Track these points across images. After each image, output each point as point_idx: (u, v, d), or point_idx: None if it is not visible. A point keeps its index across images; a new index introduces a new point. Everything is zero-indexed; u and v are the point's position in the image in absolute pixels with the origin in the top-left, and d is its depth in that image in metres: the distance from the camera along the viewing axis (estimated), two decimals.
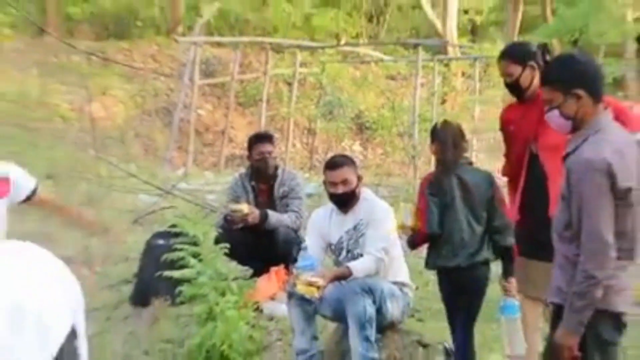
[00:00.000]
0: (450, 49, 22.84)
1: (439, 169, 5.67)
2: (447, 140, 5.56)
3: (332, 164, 6.17)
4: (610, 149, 4.01)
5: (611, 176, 3.95)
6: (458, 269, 5.47)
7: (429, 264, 5.76)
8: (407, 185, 13.08)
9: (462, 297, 5.61)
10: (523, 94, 5.42)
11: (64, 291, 4.69)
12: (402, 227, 5.80)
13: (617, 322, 4.16)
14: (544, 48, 5.57)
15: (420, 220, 5.63)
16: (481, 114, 19.08)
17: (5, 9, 20.04)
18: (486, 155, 16.25)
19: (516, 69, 5.28)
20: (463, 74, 22.20)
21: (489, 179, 5.55)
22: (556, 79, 4.22)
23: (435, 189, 5.58)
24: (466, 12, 26.02)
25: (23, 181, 5.63)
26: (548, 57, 5.51)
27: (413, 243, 5.84)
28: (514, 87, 5.44)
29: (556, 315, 4.21)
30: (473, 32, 27.33)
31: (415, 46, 20.23)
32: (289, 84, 19.76)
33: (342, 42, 23.37)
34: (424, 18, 25.06)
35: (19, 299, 4.49)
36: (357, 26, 26.29)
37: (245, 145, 8.47)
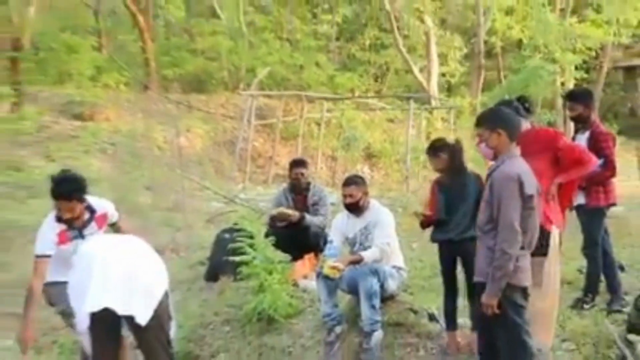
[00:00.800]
0: (432, 101, 22.78)
1: (449, 173, 5.66)
2: (456, 152, 5.64)
3: (345, 182, 6.34)
4: (519, 167, 4.39)
5: (521, 185, 4.29)
6: (451, 241, 5.53)
7: (433, 239, 5.78)
8: (402, 197, 13.04)
9: (455, 265, 5.66)
10: None
11: (160, 266, 4.75)
12: (415, 214, 5.92)
13: (524, 292, 4.44)
14: (524, 99, 5.63)
15: (430, 209, 5.73)
16: None
17: (122, 72, 20.31)
18: None
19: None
20: (442, 118, 22.12)
21: (479, 180, 5.51)
22: (485, 121, 4.61)
23: (443, 187, 5.66)
24: (444, 75, 25.96)
25: (112, 214, 5.63)
26: (527, 105, 5.58)
27: (423, 225, 5.85)
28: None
29: (480, 290, 4.44)
30: (448, 89, 27.22)
31: (408, 99, 20.26)
32: (318, 124, 19.76)
33: (356, 95, 23.31)
34: (413, 79, 24.99)
35: (133, 270, 4.58)
36: (366, 84, 26.34)
37: (287, 167, 8.52)
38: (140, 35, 22.15)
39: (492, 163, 4.64)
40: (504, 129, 4.48)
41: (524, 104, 5.55)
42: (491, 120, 4.58)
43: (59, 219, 5.31)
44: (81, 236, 5.37)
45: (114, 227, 5.64)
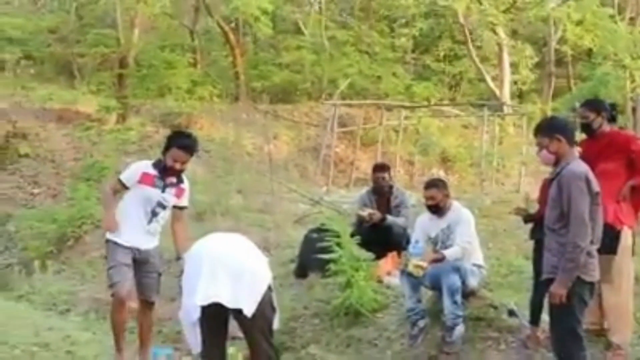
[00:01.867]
0: (505, 108, 22.40)
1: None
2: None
3: (426, 185, 6.34)
4: (584, 167, 4.44)
5: (588, 182, 4.34)
6: None
7: (533, 236, 5.76)
8: (477, 199, 12.83)
9: None
10: None
11: (263, 261, 4.81)
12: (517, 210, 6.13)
13: (592, 288, 4.45)
14: (612, 105, 5.57)
15: (539, 205, 5.59)
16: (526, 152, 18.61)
17: (215, 85, 20.76)
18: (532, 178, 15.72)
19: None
20: (514, 124, 21.71)
21: None
22: (544, 129, 4.63)
23: None
24: (515, 83, 25.45)
25: (186, 197, 5.85)
26: (614, 112, 5.50)
27: (527, 220, 5.90)
28: None
29: (549, 285, 4.41)
30: (520, 96, 26.67)
31: (481, 106, 20.01)
32: (396, 131, 19.64)
33: (431, 103, 23.11)
34: (486, 87, 24.62)
35: (240, 265, 4.65)
36: (441, 92, 26.04)
37: (367, 172, 8.59)
38: (231, 51, 22.51)
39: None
40: (563, 135, 4.52)
41: (612, 110, 5.55)
42: (549, 128, 4.63)
43: (157, 167, 5.68)
44: (162, 189, 5.67)
45: (174, 213, 5.81)
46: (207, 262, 4.50)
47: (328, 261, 6.73)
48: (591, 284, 4.40)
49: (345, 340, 6.48)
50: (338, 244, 6.70)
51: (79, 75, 23.05)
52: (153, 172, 5.66)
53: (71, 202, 12.05)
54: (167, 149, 5.67)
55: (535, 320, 5.68)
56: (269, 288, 4.66)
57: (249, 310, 4.47)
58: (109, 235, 5.70)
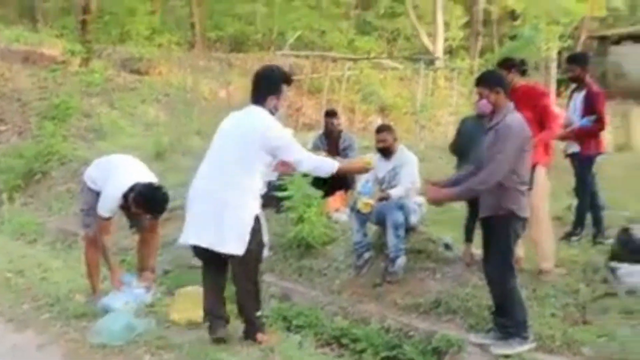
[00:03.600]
0: (437, 62, 22.40)
1: None
2: None
3: (378, 130, 6.27)
4: (520, 120, 4.52)
5: (523, 135, 4.46)
6: None
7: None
8: (413, 145, 12.84)
9: None
10: None
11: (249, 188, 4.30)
12: None
13: (524, 223, 4.58)
14: (522, 61, 5.58)
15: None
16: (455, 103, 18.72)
17: (172, 33, 20.07)
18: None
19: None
20: (445, 77, 21.77)
21: None
22: (485, 81, 4.66)
23: None
24: (447, 39, 25.46)
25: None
26: (525, 67, 5.50)
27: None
28: None
29: (486, 224, 4.62)
30: (450, 52, 26.68)
31: (417, 60, 19.94)
32: (340, 81, 19.40)
33: (372, 56, 22.96)
34: (421, 43, 24.61)
35: (225, 199, 4.22)
36: (381, 47, 25.91)
37: (313, 117, 8.50)
38: (188, 1, 21.90)
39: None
40: (502, 87, 4.55)
41: (522, 65, 5.64)
42: (490, 81, 4.64)
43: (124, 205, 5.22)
44: None
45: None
46: (195, 202, 4.32)
47: (282, 198, 6.66)
48: (524, 219, 4.51)
49: (297, 270, 6.48)
50: (291, 182, 6.62)
51: (42, 19, 22.08)
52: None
53: (38, 139, 11.60)
54: (138, 204, 5.06)
55: (469, 238, 5.81)
56: (256, 220, 4.31)
57: (238, 251, 4.21)
58: (91, 185, 5.38)
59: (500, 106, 4.52)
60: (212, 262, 4.39)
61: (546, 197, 5.60)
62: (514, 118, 4.50)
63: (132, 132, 13.28)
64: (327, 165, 4.40)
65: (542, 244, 5.52)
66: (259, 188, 4.32)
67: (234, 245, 4.19)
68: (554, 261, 5.58)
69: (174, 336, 4.60)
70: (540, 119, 5.40)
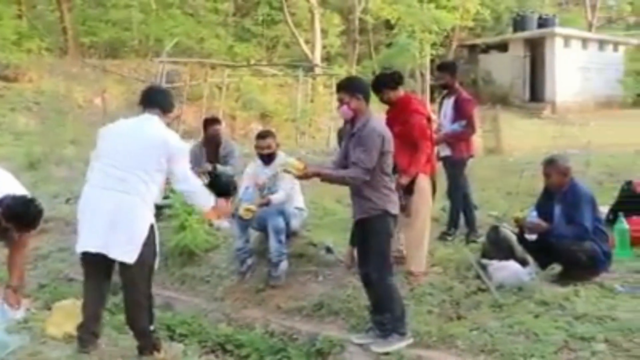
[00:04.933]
0: (316, 69, 22.78)
1: None
2: None
3: (261, 136, 6.24)
4: (381, 125, 4.62)
5: (382, 140, 4.49)
6: None
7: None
8: (294, 151, 13.00)
9: None
10: None
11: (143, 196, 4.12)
12: None
13: (395, 220, 4.69)
14: (392, 74, 5.72)
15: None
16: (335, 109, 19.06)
17: (42, 39, 19.26)
18: None
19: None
20: (324, 84, 22.17)
21: None
22: (346, 88, 4.66)
23: None
24: (325, 47, 25.93)
25: None
26: (399, 77, 5.68)
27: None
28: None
29: (360, 226, 4.69)
30: (328, 59, 27.20)
31: (296, 67, 20.20)
32: (219, 88, 19.34)
33: (252, 63, 22.99)
34: (300, 50, 24.89)
35: (117, 205, 4.02)
36: (260, 54, 26.01)
37: (192, 125, 8.37)
38: (58, 5, 21.01)
39: None
40: (362, 94, 4.59)
41: (397, 76, 5.77)
42: (351, 87, 4.65)
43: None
44: None
45: None
46: (88, 208, 4.12)
47: (163, 206, 6.54)
48: (395, 216, 4.65)
49: (180, 278, 6.39)
50: (172, 190, 6.51)
51: None
52: None
53: None
54: (8, 219, 4.55)
55: (353, 241, 5.86)
56: (151, 228, 4.14)
57: (129, 259, 4.03)
58: None
59: (361, 112, 4.57)
60: (100, 270, 4.19)
61: (428, 203, 5.77)
62: (376, 121, 4.60)
63: (1, 141, 12.59)
64: (204, 197, 4.41)
65: (414, 248, 5.69)
66: (155, 197, 4.22)
67: (125, 250, 4.03)
68: (425, 267, 5.74)
69: (51, 351, 4.40)
70: (410, 136, 5.53)
